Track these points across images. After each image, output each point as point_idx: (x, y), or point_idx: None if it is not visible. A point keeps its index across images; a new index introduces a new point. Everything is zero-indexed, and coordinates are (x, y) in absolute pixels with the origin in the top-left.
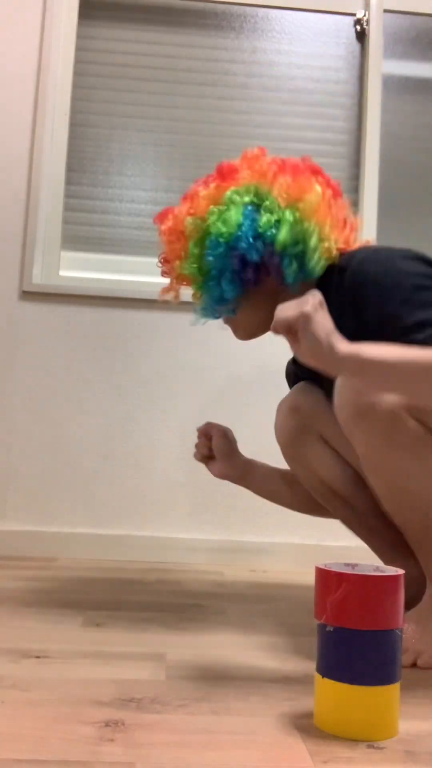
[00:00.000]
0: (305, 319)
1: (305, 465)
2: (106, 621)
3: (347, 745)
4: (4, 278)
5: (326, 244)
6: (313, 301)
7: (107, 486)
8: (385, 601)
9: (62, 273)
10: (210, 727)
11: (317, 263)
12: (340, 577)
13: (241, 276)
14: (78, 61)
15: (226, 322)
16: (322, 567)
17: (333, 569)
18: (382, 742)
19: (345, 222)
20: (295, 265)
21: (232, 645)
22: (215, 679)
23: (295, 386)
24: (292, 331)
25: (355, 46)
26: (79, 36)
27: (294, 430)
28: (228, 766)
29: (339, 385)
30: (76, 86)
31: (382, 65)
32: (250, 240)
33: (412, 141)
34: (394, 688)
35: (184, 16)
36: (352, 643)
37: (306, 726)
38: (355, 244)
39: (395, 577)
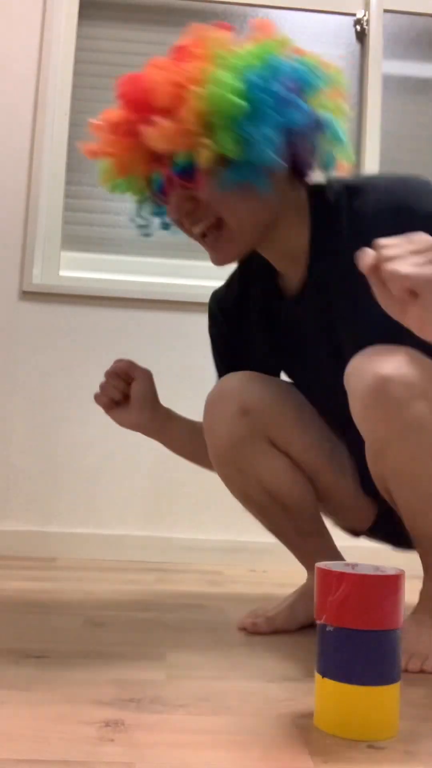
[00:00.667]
0: None
1: (246, 471)
2: (106, 621)
3: (347, 745)
4: (4, 278)
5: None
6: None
7: (107, 486)
8: (385, 601)
9: (62, 273)
10: (210, 727)
11: (343, 158)
12: (341, 576)
13: (281, 141)
14: (78, 61)
15: (207, 231)
16: (323, 567)
17: (333, 569)
18: (382, 742)
19: None
20: (332, 147)
21: (232, 645)
22: (215, 679)
23: (242, 376)
24: (411, 292)
25: (355, 46)
26: (79, 36)
27: (242, 437)
28: (228, 766)
29: (373, 397)
30: (76, 86)
31: (382, 65)
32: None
33: (412, 141)
34: (394, 688)
35: (184, 16)
36: (352, 642)
37: (306, 726)
38: None
39: (395, 577)
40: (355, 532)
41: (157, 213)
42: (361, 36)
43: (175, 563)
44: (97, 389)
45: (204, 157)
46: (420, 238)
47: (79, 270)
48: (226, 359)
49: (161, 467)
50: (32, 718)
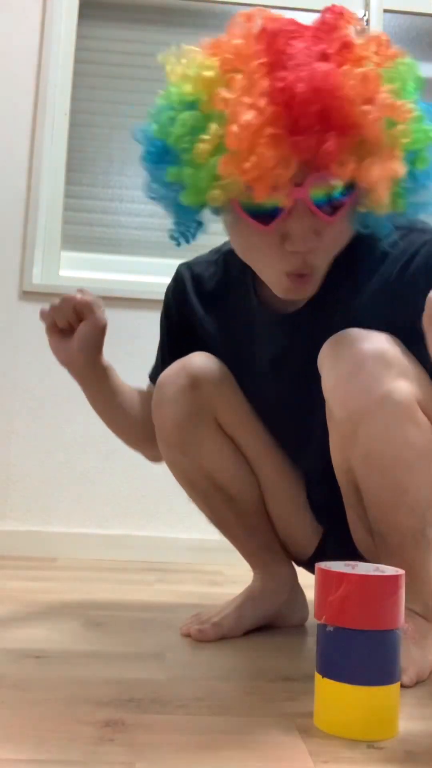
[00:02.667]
0: None
1: (191, 454)
2: (106, 621)
3: (347, 745)
4: (4, 278)
5: None
6: None
7: (107, 486)
8: (385, 601)
9: (62, 273)
10: (210, 727)
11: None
12: (341, 577)
13: None
14: (78, 61)
15: (313, 245)
16: (323, 567)
17: (333, 569)
18: (382, 742)
19: None
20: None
21: (232, 645)
22: (215, 679)
23: (201, 354)
24: None
25: None
26: (79, 36)
27: (189, 414)
28: (228, 766)
29: (348, 371)
30: (76, 86)
31: None
32: None
33: None
34: (394, 688)
35: (184, 16)
36: (352, 642)
37: (306, 726)
38: None
39: (395, 577)
40: (296, 560)
41: (194, 227)
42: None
43: (175, 563)
44: None
45: (374, 201)
46: None
47: (79, 270)
48: (174, 340)
49: (161, 467)
50: (32, 718)
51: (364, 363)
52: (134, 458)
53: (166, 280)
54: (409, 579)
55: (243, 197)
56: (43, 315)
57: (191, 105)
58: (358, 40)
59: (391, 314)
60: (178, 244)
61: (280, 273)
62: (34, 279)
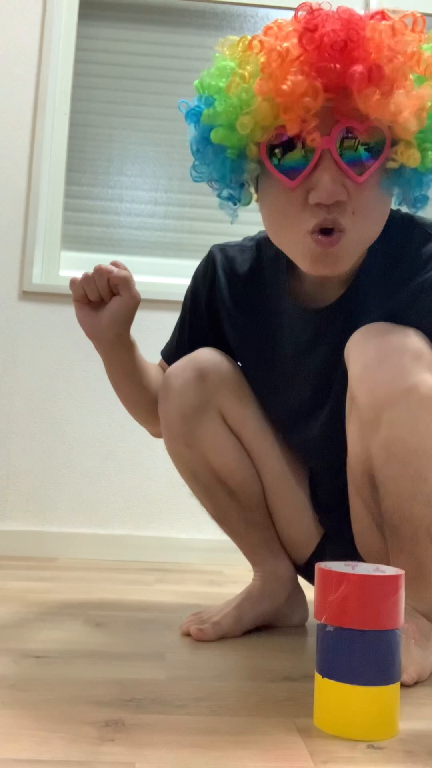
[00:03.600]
0: None
1: (195, 447)
2: (106, 621)
3: (347, 745)
4: (4, 278)
5: None
6: None
7: (107, 486)
8: (385, 601)
9: (62, 273)
10: (210, 727)
11: None
12: (341, 577)
13: None
14: (78, 61)
15: (338, 197)
16: (323, 567)
17: (333, 569)
18: (382, 742)
19: None
20: None
21: (232, 645)
22: (215, 679)
23: (210, 349)
24: None
25: None
26: (79, 36)
27: (194, 407)
28: (228, 766)
29: (377, 359)
30: (76, 86)
31: None
32: None
33: None
34: (394, 688)
35: (184, 16)
36: (352, 643)
37: (306, 726)
38: None
39: (395, 577)
40: (293, 564)
41: (238, 188)
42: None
43: (175, 563)
44: (97, 389)
45: (405, 154)
46: None
47: (79, 270)
48: (196, 321)
49: (161, 467)
50: (32, 718)
51: (393, 353)
52: (134, 458)
53: (166, 280)
54: (416, 577)
55: (272, 142)
56: (74, 285)
57: (231, 59)
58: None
59: (428, 319)
60: (232, 217)
61: (305, 235)
62: (34, 279)
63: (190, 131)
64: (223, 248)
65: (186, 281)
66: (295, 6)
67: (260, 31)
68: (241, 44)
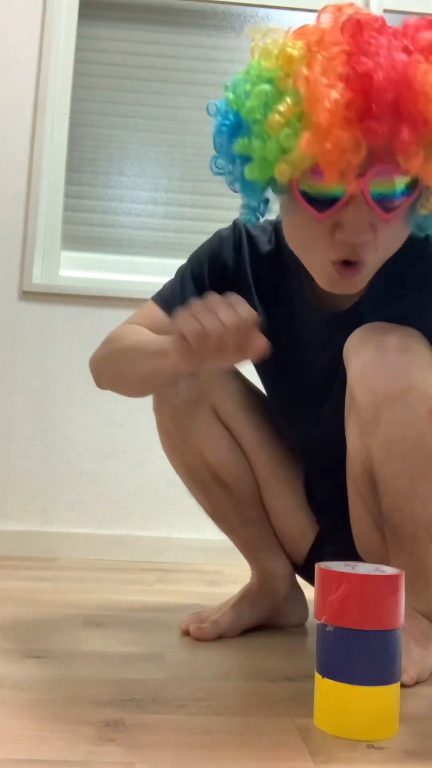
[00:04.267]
0: None
1: (190, 443)
2: (106, 621)
3: (347, 745)
4: (4, 278)
5: None
6: None
7: (107, 486)
8: (385, 601)
9: (62, 273)
10: (210, 727)
11: None
12: (341, 576)
13: None
14: (78, 61)
15: (365, 239)
16: (323, 567)
17: (333, 569)
18: (382, 742)
19: None
20: None
21: (232, 645)
22: (215, 679)
23: None
24: None
25: None
26: (79, 36)
27: (187, 399)
28: (228, 767)
29: (376, 357)
30: (76, 86)
31: None
32: None
33: None
34: (394, 688)
35: (184, 16)
36: (352, 642)
37: (306, 726)
38: None
39: (395, 577)
40: (291, 563)
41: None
42: None
43: (175, 563)
44: (96, 389)
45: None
46: None
47: (79, 270)
48: (199, 290)
49: (161, 467)
50: (32, 718)
51: (393, 352)
52: (134, 458)
53: (166, 279)
54: (415, 576)
55: (304, 178)
56: (195, 326)
57: (269, 80)
58: None
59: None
60: (251, 221)
61: (326, 262)
62: (34, 279)
63: (214, 128)
64: (245, 225)
65: None
66: (295, 6)
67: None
68: (280, 59)
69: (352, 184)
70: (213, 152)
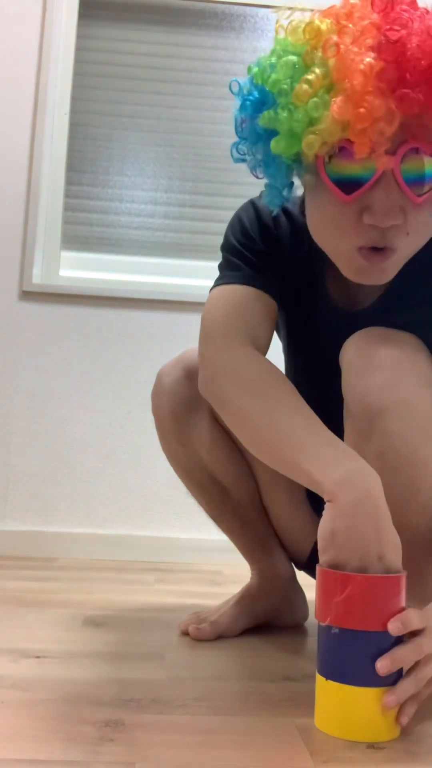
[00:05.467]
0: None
1: (188, 445)
2: (106, 621)
3: (347, 745)
4: (4, 278)
5: None
6: None
7: (107, 486)
8: (390, 602)
9: (62, 273)
10: (210, 727)
11: None
12: (346, 578)
13: None
14: (78, 61)
15: (396, 221)
16: (326, 568)
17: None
18: (382, 743)
19: None
20: None
21: (232, 645)
22: (215, 679)
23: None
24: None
25: None
26: (79, 36)
27: (185, 402)
28: (228, 767)
29: (370, 367)
30: (76, 86)
31: None
32: None
33: None
34: None
35: (184, 16)
36: (357, 644)
37: (306, 726)
38: None
39: (400, 578)
40: (295, 562)
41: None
42: None
43: (175, 563)
44: (96, 389)
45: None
46: None
47: (79, 270)
48: (264, 262)
49: (161, 467)
50: (32, 718)
51: (387, 361)
52: (134, 458)
53: (166, 280)
54: (413, 580)
55: (332, 157)
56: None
57: (296, 53)
58: None
59: None
60: (275, 206)
61: (353, 249)
62: (34, 279)
63: (236, 108)
64: (263, 207)
65: (186, 281)
66: (295, 6)
67: (260, 32)
68: (308, 32)
69: (383, 159)
70: (213, 152)
